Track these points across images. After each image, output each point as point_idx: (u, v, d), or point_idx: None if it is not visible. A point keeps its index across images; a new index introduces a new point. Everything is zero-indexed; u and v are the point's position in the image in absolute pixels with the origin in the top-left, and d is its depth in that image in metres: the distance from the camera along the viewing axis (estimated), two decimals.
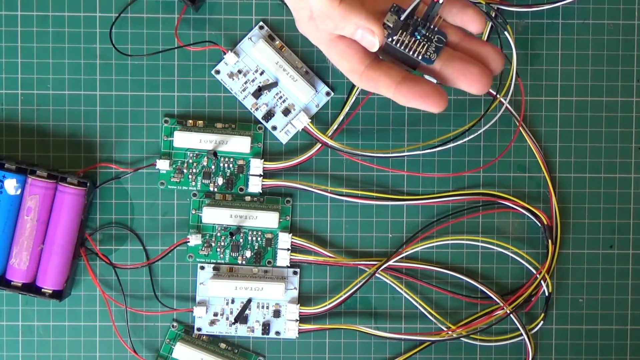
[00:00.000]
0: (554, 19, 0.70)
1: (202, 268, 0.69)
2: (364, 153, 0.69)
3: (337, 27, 0.51)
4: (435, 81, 0.64)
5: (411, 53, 0.51)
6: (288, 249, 0.69)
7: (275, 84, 0.69)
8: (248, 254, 0.69)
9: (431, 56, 0.51)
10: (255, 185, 0.68)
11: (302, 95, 0.68)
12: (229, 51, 0.69)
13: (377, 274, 0.69)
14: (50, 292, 0.67)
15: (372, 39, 0.51)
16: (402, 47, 0.51)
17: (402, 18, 0.50)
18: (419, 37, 0.51)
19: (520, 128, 0.69)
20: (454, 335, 0.69)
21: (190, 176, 0.69)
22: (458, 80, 0.52)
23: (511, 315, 0.68)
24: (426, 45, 0.51)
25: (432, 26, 0.51)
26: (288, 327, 0.69)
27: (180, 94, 0.69)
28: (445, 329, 0.69)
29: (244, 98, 0.69)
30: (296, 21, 0.54)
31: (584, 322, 0.70)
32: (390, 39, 0.51)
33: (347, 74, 0.53)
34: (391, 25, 0.51)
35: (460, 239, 0.70)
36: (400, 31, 0.51)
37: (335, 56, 0.53)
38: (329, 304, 0.69)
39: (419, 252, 0.70)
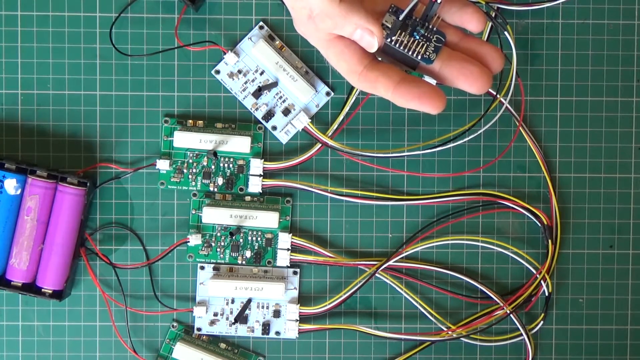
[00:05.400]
0: (554, 19, 0.70)
1: (202, 268, 0.69)
2: (364, 153, 0.69)
3: (337, 26, 0.51)
4: (434, 82, 0.64)
5: (410, 53, 0.51)
6: (288, 249, 0.69)
7: (275, 84, 0.69)
8: (248, 254, 0.69)
9: (430, 56, 0.51)
10: (255, 185, 0.69)
11: (302, 95, 0.69)
12: (229, 51, 0.69)
13: (377, 274, 0.69)
14: (50, 292, 0.67)
15: (371, 40, 0.51)
16: (401, 48, 0.51)
17: (400, 18, 0.50)
18: (417, 37, 0.51)
19: (520, 128, 0.69)
20: (454, 335, 0.69)
21: (190, 176, 0.69)
22: (457, 80, 0.51)
23: (511, 315, 0.68)
24: (425, 45, 0.51)
25: (430, 26, 0.51)
26: (288, 327, 0.69)
27: (180, 94, 0.69)
28: (445, 329, 0.69)
29: (244, 98, 0.69)
30: (294, 21, 0.54)
31: (584, 322, 0.70)
32: (389, 40, 0.51)
33: (345, 75, 0.53)
34: (390, 26, 0.50)
35: (460, 239, 0.70)
36: (399, 31, 0.50)
37: (333, 57, 0.53)
38: (329, 304, 0.69)
39: (419, 252, 0.70)
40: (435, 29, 0.51)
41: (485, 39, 0.68)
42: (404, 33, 0.50)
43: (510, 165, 0.70)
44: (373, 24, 0.50)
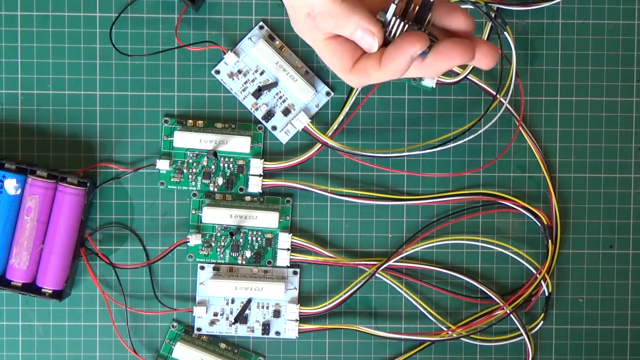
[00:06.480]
0: (554, 19, 0.70)
1: (202, 268, 0.69)
2: (364, 153, 0.69)
3: (338, 26, 0.51)
4: (434, 83, 0.64)
5: None
6: (288, 249, 0.69)
7: (275, 84, 0.69)
8: (248, 254, 0.69)
9: (425, 49, 0.51)
10: (255, 185, 0.69)
11: (302, 95, 0.69)
12: (229, 51, 0.69)
13: (377, 274, 0.69)
14: (50, 292, 0.67)
15: (372, 41, 0.51)
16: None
17: (395, 2, 0.50)
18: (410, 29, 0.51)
19: (520, 128, 0.69)
20: (454, 335, 0.69)
21: (190, 176, 0.69)
22: (440, 58, 0.50)
23: (511, 315, 0.68)
24: None
25: (422, 28, 0.51)
26: (288, 327, 0.69)
27: (180, 94, 0.69)
28: (445, 329, 0.69)
29: (244, 98, 0.69)
30: (291, 19, 0.54)
31: (584, 322, 0.70)
32: (386, 33, 0.51)
33: (338, 73, 0.53)
34: (383, 20, 0.50)
35: (460, 239, 0.70)
36: (396, 24, 0.50)
37: (327, 55, 0.53)
38: (329, 304, 0.69)
39: (419, 252, 0.70)
40: (427, 31, 0.51)
41: (485, 39, 0.68)
42: (399, 24, 0.50)
43: (510, 165, 0.70)
44: (374, 25, 0.50)
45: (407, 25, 0.50)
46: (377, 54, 0.51)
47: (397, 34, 0.50)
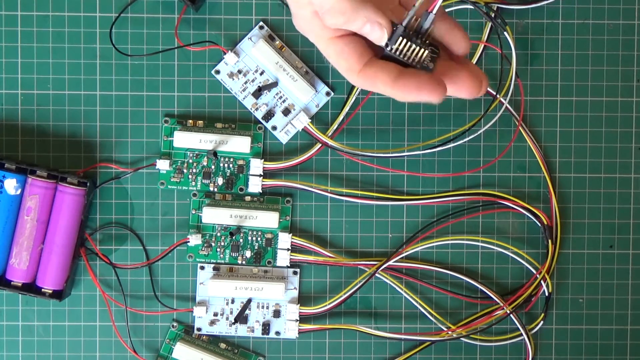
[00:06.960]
0: (554, 19, 0.70)
1: (202, 268, 0.69)
2: (364, 153, 0.69)
3: (348, 21, 0.51)
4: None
5: (410, 61, 0.51)
6: (288, 249, 0.69)
7: (275, 84, 0.69)
8: (248, 254, 0.69)
9: (429, 64, 0.51)
10: (255, 185, 0.69)
11: (302, 95, 0.69)
12: (229, 51, 0.69)
13: (377, 274, 0.69)
14: (50, 292, 0.67)
15: (380, 34, 0.51)
16: (401, 56, 0.51)
17: (403, 23, 0.50)
18: (415, 47, 0.51)
19: (520, 128, 0.69)
20: (454, 335, 0.69)
21: (190, 176, 0.69)
22: (448, 86, 0.51)
23: (511, 315, 0.69)
24: (423, 53, 0.51)
25: (424, 39, 0.51)
26: (288, 327, 0.69)
27: (180, 94, 0.69)
28: (445, 329, 0.69)
29: (244, 98, 0.69)
30: (294, 18, 0.54)
31: (584, 322, 0.70)
32: (389, 48, 0.51)
33: (344, 73, 0.53)
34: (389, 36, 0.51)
35: (460, 239, 0.70)
36: (399, 40, 0.51)
37: (333, 55, 0.53)
38: (329, 304, 0.69)
39: (419, 252, 0.70)
40: (427, 41, 0.51)
41: (485, 39, 0.68)
42: (403, 41, 0.51)
43: (510, 165, 0.70)
44: (382, 17, 0.50)
45: (410, 44, 0.50)
46: (392, 71, 0.51)
47: (400, 49, 0.50)
